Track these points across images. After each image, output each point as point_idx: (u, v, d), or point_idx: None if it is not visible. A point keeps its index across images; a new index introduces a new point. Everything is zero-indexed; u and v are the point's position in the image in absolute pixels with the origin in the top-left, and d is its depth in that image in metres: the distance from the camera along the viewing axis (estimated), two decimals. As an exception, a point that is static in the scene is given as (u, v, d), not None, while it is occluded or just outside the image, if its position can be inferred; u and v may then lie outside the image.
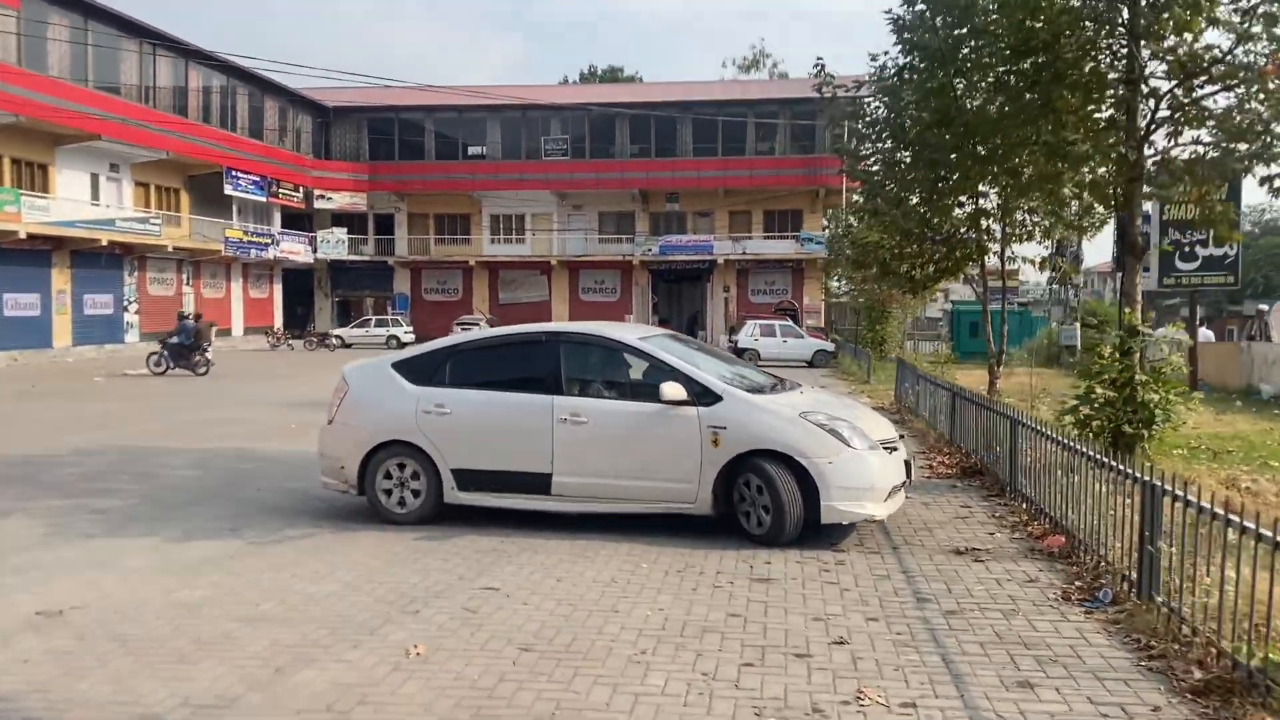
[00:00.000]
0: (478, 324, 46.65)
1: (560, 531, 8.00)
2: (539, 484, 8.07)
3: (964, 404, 11.65)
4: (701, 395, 7.80)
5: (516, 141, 53.70)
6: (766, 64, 77.29)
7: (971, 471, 10.67)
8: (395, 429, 8.40)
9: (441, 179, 53.45)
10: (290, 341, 46.53)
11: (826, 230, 50.75)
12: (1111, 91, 9.87)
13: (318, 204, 53.12)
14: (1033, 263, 18.69)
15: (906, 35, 12.95)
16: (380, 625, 5.76)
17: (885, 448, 7.84)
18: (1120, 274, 10.42)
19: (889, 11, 13.40)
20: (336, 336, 46.86)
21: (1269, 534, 4.65)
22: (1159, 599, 5.65)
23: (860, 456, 7.55)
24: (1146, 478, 5.81)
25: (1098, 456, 6.60)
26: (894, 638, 5.52)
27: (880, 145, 16.72)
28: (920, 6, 12.55)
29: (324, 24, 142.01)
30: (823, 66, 16.71)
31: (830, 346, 35.32)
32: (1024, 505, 8.73)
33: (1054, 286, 36.50)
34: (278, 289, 52.29)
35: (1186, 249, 22.01)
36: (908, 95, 13.62)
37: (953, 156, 12.01)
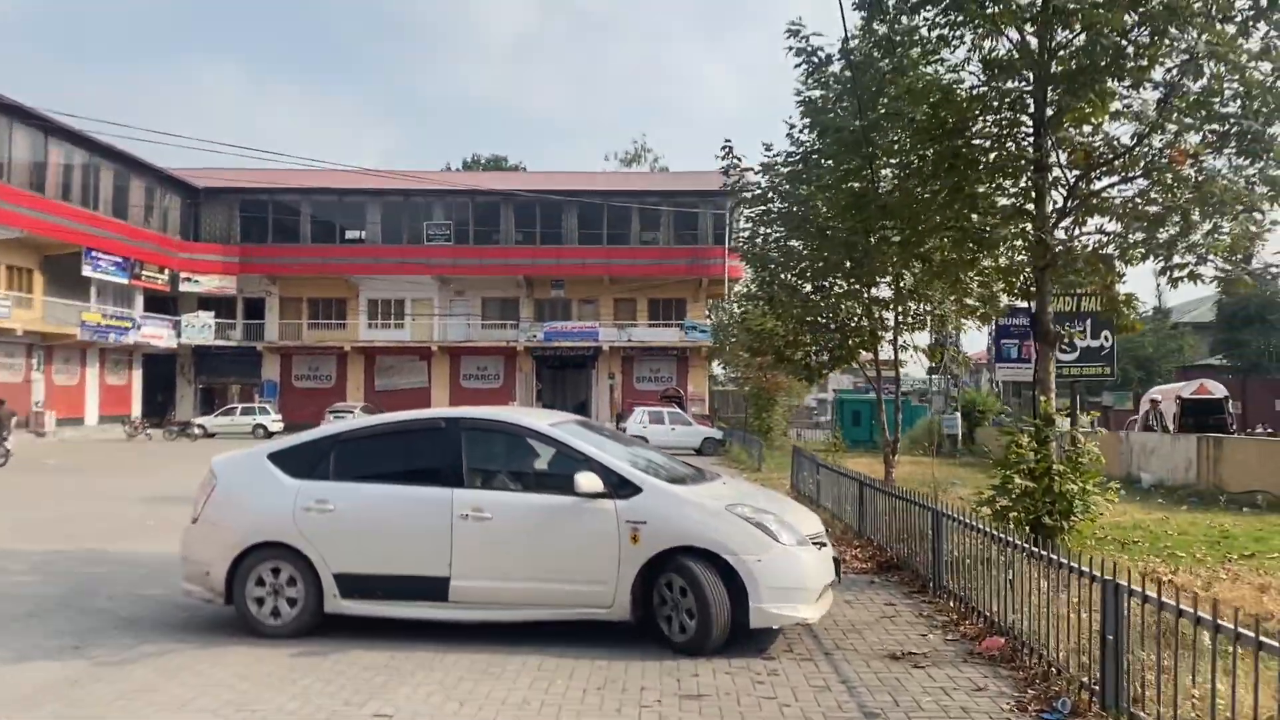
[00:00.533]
0: (352, 413, 45.03)
1: (460, 643, 7.16)
2: (435, 589, 7.24)
3: (875, 494, 11.27)
4: (619, 487, 7.16)
5: (397, 225, 52.80)
6: (647, 158, 78.61)
7: (888, 566, 10.23)
8: (269, 529, 7.48)
9: (317, 262, 52.01)
10: (149, 431, 44.01)
11: (710, 318, 51.21)
12: (1022, 179, 9.83)
13: (184, 287, 50.92)
14: (926, 351, 18.77)
15: (819, 117, 12.87)
16: (253, 767, 4.85)
17: (814, 543, 7.31)
18: (1035, 363, 10.28)
19: (800, 94, 13.35)
20: (199, 425, 44.50)
21: (1250, 634, 4.25)
22: (1126, 709, 5.19)
23: (790, 553, 7.00)
24: (1108, 577, 5.40)
25: (1052, 556, 6.18)
26: (850, 764, 4.90)
27: (776, 232, 16.63)
28: (830, 91, 12.50)
29: (194, 100, 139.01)
30: (730, 149, 16.59)
31: (718, 434, 35.09)
32: (952, 603, 8.29)
33: (934, 376, 37.26)
34: (137, 375, 49.61)
35: (1066, 342, 22.54)
36: (810, 182, 13.53)
37: (870, 240, 11.79)
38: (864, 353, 17.81)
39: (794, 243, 17.05)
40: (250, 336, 53.09)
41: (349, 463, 7.68)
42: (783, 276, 17.00)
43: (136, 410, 48.35)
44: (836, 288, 17.25)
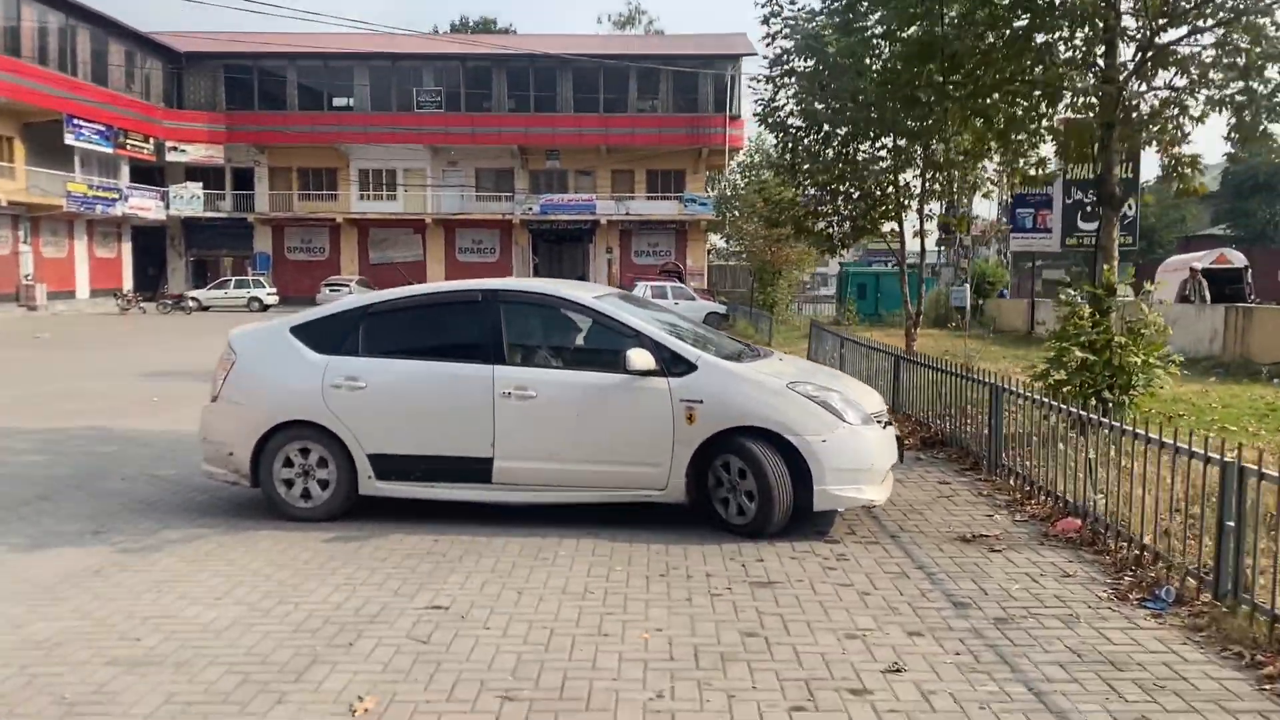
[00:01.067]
0: (347, 286, 44.41)
1: (505, 527, 6.77)
2: (477, 471, 6.80)
3: (915, 369, 10.81)
4: (672, 364, 6.65)
5: (387, 92, 51.09)
6: (642, 21, 75.91)
7: (931, 442, 9.86)
8: (297, 407, 6.98)
9: (306, 131, 50.51)
10: (142, 304, 43.34)
11: (710, 191, 50.13)
12: (1091, 28, 9.06)
13: (170, 157, 49.50)
14: (952, 221, 18.12)
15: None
16: (307, 667, 4.45)
17: (878, 421, 6.86)
18: (1098, 228, 9.67)
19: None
20: (193, 299, 43.85)
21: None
22: (1248, 598, 4.81)
23: (857, 433, 6.54)
24: (1229, 458, 4.95)
25: (1157, 436, 5.72)
26: (955, 660, 4.52)
27: (804, 93, 15.77)
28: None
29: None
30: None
31: (722, 308, 34.55)
32: (1013, 481, 7.92)
33: (941, 248, 36.58)
34: (127, 248, 48.64)
35: (1087, 208, 21.92)
36: (855, 33, 12.61)
37: (932, 95, 10.95)
38: (886, 223, 17.21)
39: (820, 105, 16.23)
40: (240, 208, 51.90)
41: (379, 337, 7.14)
42: (806, 141, 16.24)
43: (128, 283, 47.55)
44: (861, 153, 16.53)
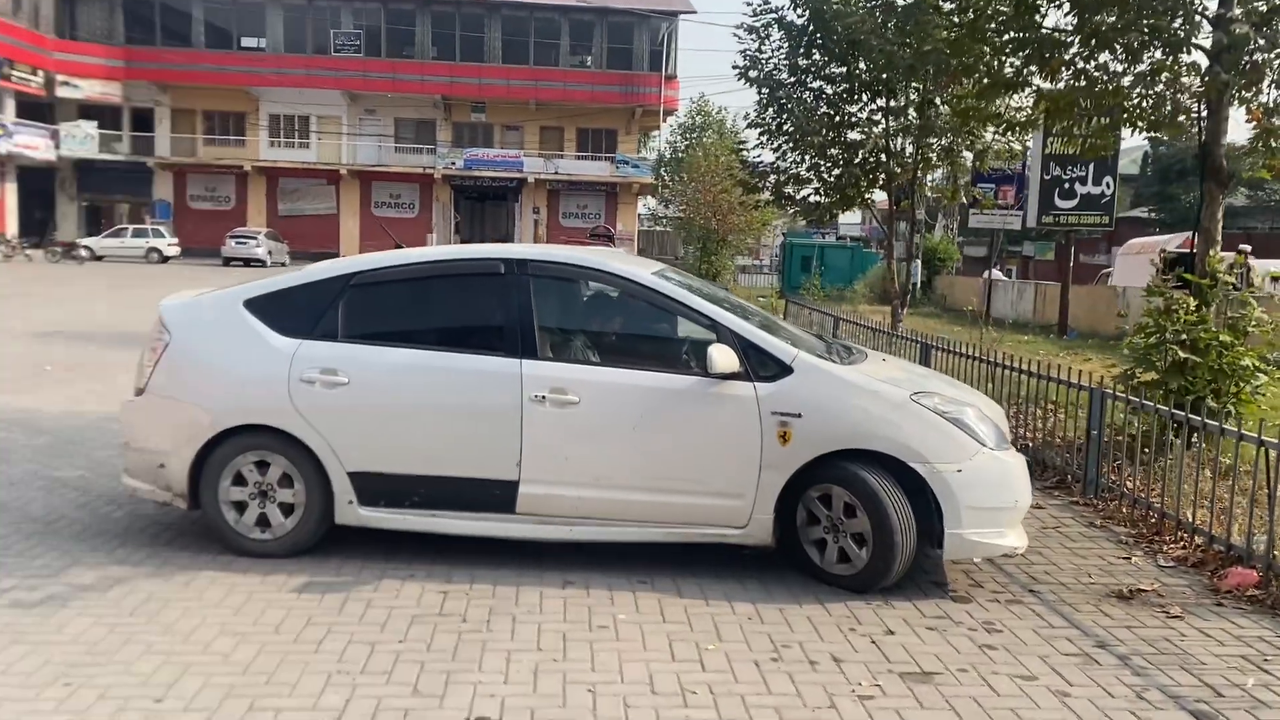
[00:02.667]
0: (255, 239, 41.70)
1: (526, 569, 5.18)
2: (496, 498, 5.18)
3: (962, 363, 9.40)
4: (759, 365, 5.11)
5: (301, 33, 48.00)
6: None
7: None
8: (254, 408, 5.25)
9: (212, 70, 47.12)
10: (28, 252, 39.84)
11: (642, 152, 48.46)
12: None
13: (61, 92, 45.66)
14: (944, 192, 16.90)
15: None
16: None
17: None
18: (1199, 206, 8.33)
19: None
20: (86, 247, 40.46)
21: None
22: None
23: (999, 461, 5.11)
24: None
25: None
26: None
27: (798, 47, 14.30)
28: None
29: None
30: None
31: (659, 276, 32.89)
32: (1124, 509, 6.62)
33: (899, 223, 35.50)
34: (11, 190, 44.78)
35: (1066, 186, 20.93)
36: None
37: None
38: (877, 192, 15.95)
39: (807, 61, 14.81)
40: (139, 151, 48.26)
41: (366, 317, 5.43)
42: (799, 95, 14.80)
43: (12, 228, 43.79)
44: (852, 116, 15.17)
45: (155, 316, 5.58)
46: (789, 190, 16.03)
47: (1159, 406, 6.61)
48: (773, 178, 16.06)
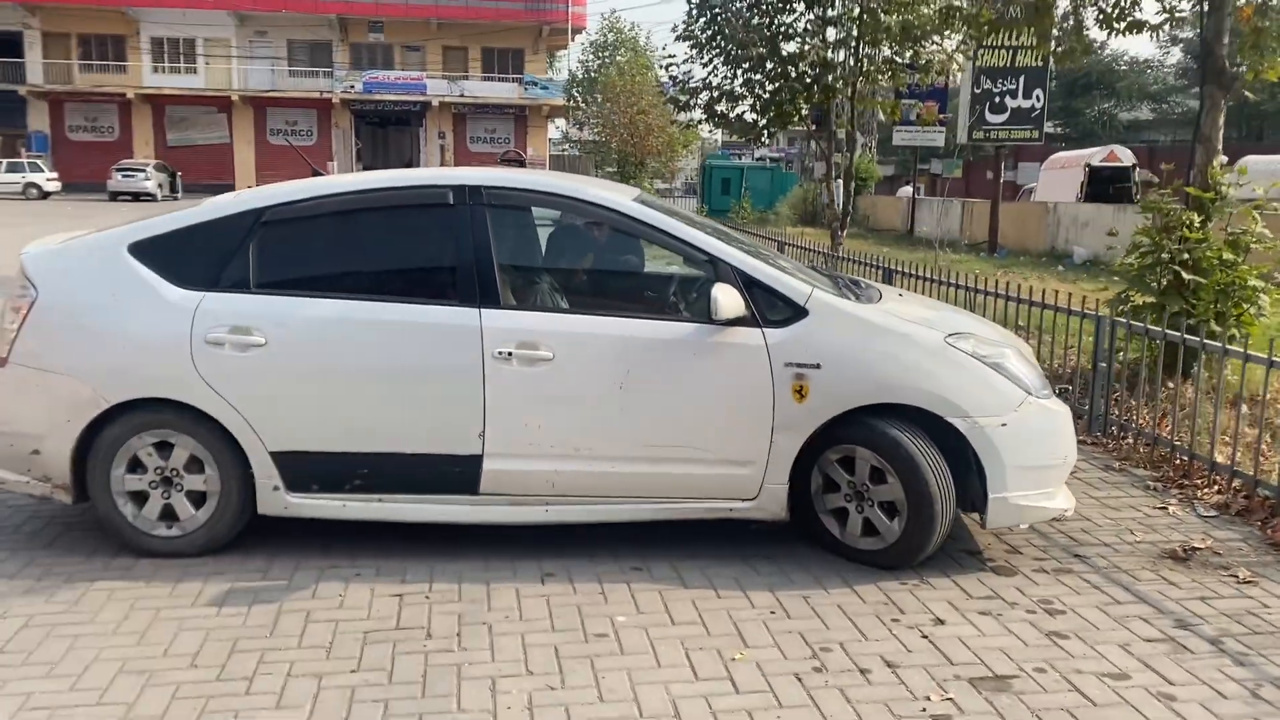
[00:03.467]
0: (143, 171, 39.23)
1: (495, 558, 4.34)
2: (455, 476, 4.29)
3: (932, 289, 8.73)
4: (767, 307, 4.28)
5: (181, -52, 44.70)
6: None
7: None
8: (148, 377, 4.25)
9: (85, -11, 43.70)
10: (-111, 189, 36.82)
11: (553, 70, 46.76)
12: None
13: (-85, 13, 41.94)
14: (886, 107, 16.21)
15: None
16: None
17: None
18: (1199, 112, 7.66)
19: None
20: (-47, 183, 37.57)
21: None
22: None
23: (1046, 411, 4.39)
24: None
25: None
26: None
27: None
28: None
29: None
30: None
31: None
32: (1141, 447, 6.05)
33: (811, 142, 34.78)
34: None
35: (996, 99, 20.35)
36: None
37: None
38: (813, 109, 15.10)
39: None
40: (9, 78, 44.77)
41: (284, 261, 4.42)
42: (732, 4, 13.82)
43: None
44: (785, 26, 14.29)
45: (16, 268, 4.50)
46: (722, 108, 15.09)
47: (1169, 333, 6.02)
48: (704, 95, 15.08)
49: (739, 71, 14.68)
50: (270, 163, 42.94)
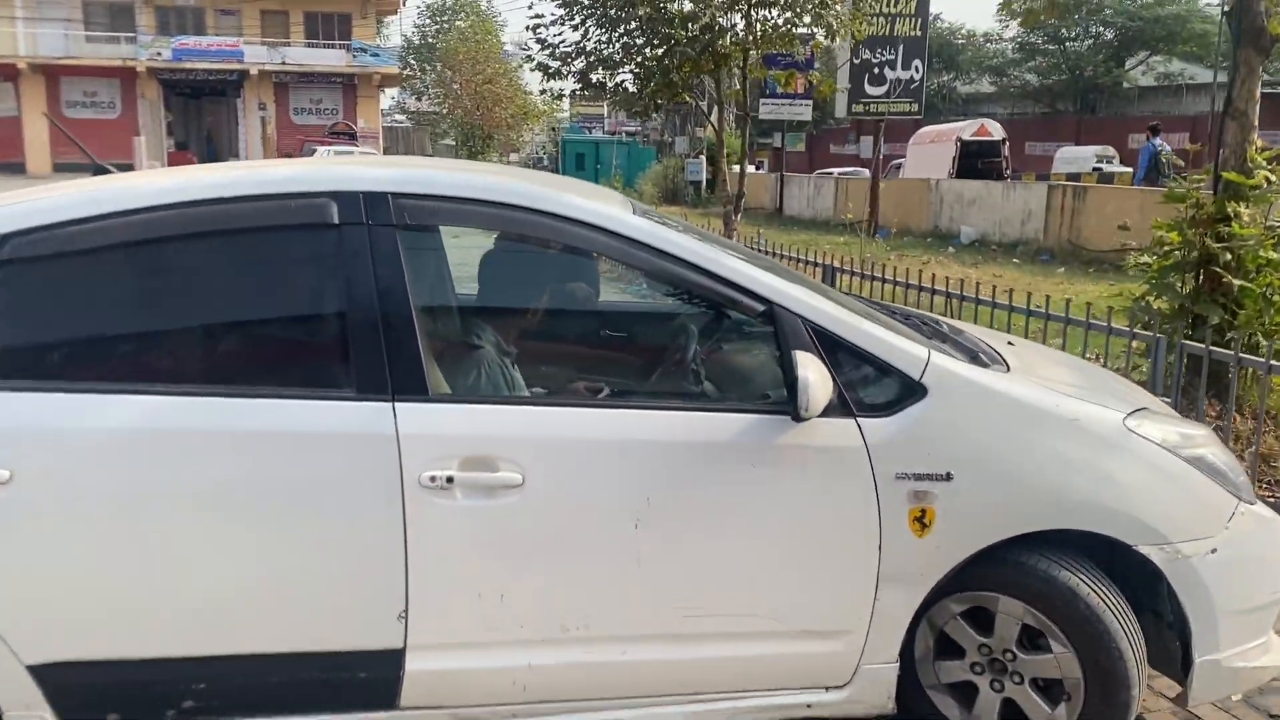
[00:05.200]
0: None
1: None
2: (360, 683, 2.54)
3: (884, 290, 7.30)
4: (861, 384, 2.68)
5: (-51, -106, 39.51)
6: None
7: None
8: None
9: None
10: None
11: (380, 38, 43.83)
12: None
13: None
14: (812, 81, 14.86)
15: None
16: None
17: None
18: (1231, 81, 6.41)
19: None
20: None
21: None
22: None
23: (1261, 522, 2.94)
24: None
25: None
26: None
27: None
28: None
29: None
30: None
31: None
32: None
33: (670, 117, 33.43)
34: None
35: (876, 71, 19.33)
36: None
37: None
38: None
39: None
40: None
41: (43, 328, 2.56)
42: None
43: None
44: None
45: None
46: (598, 77, 13.42)
47: (1245, 357, 4.79)
48: (578, 62, 13.35)
49: (615, 36, 13.08)
50: (68, 140, 38.52)
